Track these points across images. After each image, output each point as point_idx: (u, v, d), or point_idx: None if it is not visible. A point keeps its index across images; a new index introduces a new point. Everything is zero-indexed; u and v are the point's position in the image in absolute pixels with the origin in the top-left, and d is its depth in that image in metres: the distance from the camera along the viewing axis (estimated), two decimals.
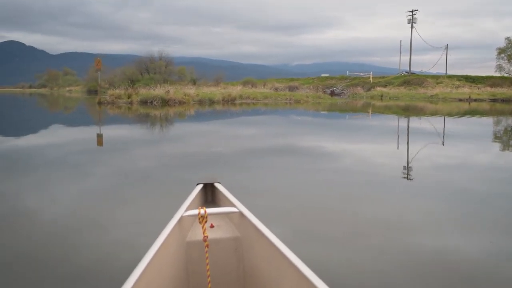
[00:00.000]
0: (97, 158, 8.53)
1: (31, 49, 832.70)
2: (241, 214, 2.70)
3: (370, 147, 10.23)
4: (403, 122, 18.40)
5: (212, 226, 2.78)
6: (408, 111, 25.83)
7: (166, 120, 17.69)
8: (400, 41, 70.20)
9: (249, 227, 2.58)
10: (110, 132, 13.47)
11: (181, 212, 2.65)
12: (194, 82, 57.70)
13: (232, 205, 2.81)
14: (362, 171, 7.10)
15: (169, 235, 2.35)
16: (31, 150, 9.33)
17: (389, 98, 44.68)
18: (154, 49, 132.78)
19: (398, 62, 70.40)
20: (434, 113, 23.61)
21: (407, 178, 6.58)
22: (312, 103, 32.43)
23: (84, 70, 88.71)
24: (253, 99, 33.30)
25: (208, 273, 2.42)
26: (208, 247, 2.45)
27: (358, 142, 11.13)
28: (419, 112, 25.25)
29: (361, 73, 69.61)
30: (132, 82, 51.78)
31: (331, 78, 70.46)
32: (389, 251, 3.68)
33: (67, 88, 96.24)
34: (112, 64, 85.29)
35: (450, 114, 22.73)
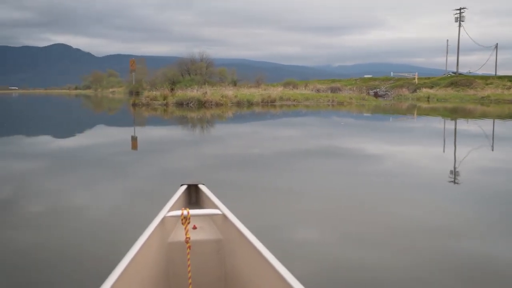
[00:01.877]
0: (133, 159, 8.64)
1: (78, 51, 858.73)
2: (224, 216, 2.67)
3: (415, 150, 10.04)
4: (450, 125, 17.45)
5: (195, 228, 2.77)
6: (456, 113, 24.44)
7: (200, 122, 17.15)
8: (447, 40, 67.77)
9: (231, 230, 2.55)
10: (144, 134, 13.17)
11: (164, 212, 2.63)
12: (234, 83, 57.30)
13: (216, 207, 2.79)
14: (406, 173, 7.08)
15: (151, 235, 2.33)
16: (69, 151, 9.67)
17: (437, 99, 42.82)
18: (196, 50, 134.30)
19: (442, 62, 68.06)
20: (485, 116, 22.22)
21: (453, 182, 6.45)
22: (356, 105, 31.16)
23: (127, 72, 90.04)
24: (294, 101, 32.31)
25: (189, 274, 2.42)
26: (190, 249, 2.45)
27: (403, 145, 10.85)
28: (468, 114, 23.85)
29: (406, 74, 67.48)
30: (173, 83, 52.02)
31: (374, 79, 68.64)
32: (431, 256, 3.60)
33: (110, 90, 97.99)
34: (154, 66, 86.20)
35: (502, 117, 21.30)
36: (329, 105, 30.22)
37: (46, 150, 9.74)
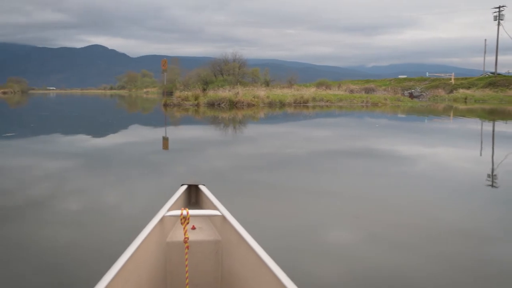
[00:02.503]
0: (165, 159, 8.71)
1: (113, 52, 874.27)
2: (223, 217, 2.66)
3: (452, 152, 9.87)
4: (488, 126, 16.84)
5: (193, 228, 2.76)
6: (494, 115, 23.67)
7: (232, 123, 17.07)
8: (485, 40, 65.97)
9: (230, 231, 2.56)
10: (175, 134, 13.17)
11: (163, 212, 2.62)
12: (267, 83, 57.17)
13: (215, 208, 2.78)
14: (442, 176, 6.92)
15: (149, 234, 2.33)
16: (104, 150, 9.86)
17: (474, 101, 41.68)
18: (229, 51, 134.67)
19: (480, 62, 66.49)
20: None
21: (490, 185, 6.27)
22: (391, 106, 30.59)
23: (161, 72, 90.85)
24: (327, 101, 31.96)
25: (187, 274, 2.42)
26: (188, 249, 2.46)
27: (439, 146, 10.62)
28: (507, 116, 23.12)
29: (442, 74, 65.99)
30: (206, 83, 52.26)
31: (409, 79, 67.40)
32: (467, 261, 3.57)
33: (144, 90, 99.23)
34: (188, 66, 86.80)
35: None
36: (363, 106, 29.73)
37: (83, 149, 9.88)
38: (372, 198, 5.45)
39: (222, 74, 64.02)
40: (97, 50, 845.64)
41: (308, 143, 11.03)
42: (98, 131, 14.45)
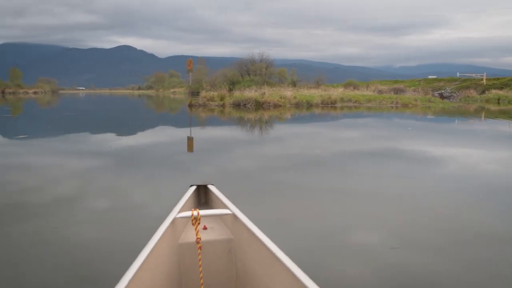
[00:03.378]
0: (191, 159, 8.73)
1: (142, 53, 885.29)
2: (234, 216, 2.66)
3: (485, 154, 9.53)
4: None
5: (205, 228, 2.75)
6: None
7: (258, 123, 16.72)
8: None
9: (242, 229, 2.54)
10: (200, 134, 12.99)
11: (174, 214, 2.62)
12: (294, 84, 56.73)
13: (225, 207, 2.78)
14: (475, 179, 6.78)
15: (161, 237, 2.33)
16: (131, 149, 9.98)
17: (508, 102, 40.42)
18: (255, 51, 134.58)
19: (511, 63, 64.31)
20: None
21: None
22: (421, 107, 29.74)
23: (186, 72, 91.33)
24: (355, 102, 31.29)
25: (201, 275, 2.41)
26: (201, 249, 2.45)
27: (474, 148, 10.38)
28: None
29: (473, 75, 64.41)
30: (233, 83, 52.14)
31: (439, 80, 65.97)
32: (502, 267, 3.41)
33: (172, 90, 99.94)
34: (215, 67, 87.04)
35: None
36: (392, 107, 29.02)
37: (111, 148, 9.96)
38: (402, 200, 5.37)
39: (249, 74, 63.80)
40: (126, 51, 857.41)
41: (339, 144, 10.81)
42: (126, 131, 14.64)
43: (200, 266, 2.42)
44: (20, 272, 3.26)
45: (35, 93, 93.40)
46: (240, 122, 18.08)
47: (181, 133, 13.96)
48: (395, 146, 10.39)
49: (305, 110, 24.94)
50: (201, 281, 2.41)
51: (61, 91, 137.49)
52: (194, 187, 3.19)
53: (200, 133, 13.62)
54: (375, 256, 3.58)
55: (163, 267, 2.37)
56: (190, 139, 11.53)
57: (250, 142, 11.34)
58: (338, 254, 3.65)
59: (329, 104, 29.63)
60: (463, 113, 25.35)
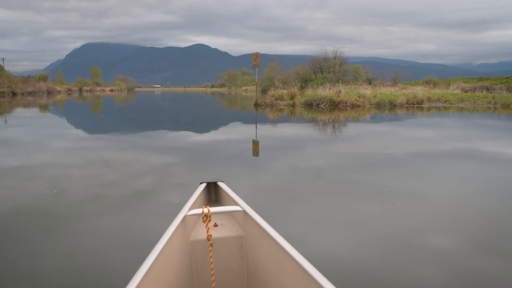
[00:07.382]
0: (260, 159, 8.33)
1: (216, 51, 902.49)
2: (244, 212, 2.65)
3: None
4: None
5: (215, 225, 2.74)
6: None
7: (337, 124, 14.29)
8: None
9: (252, 226, 2.54)
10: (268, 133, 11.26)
11: (184, 211, 2.61)
12: (369, 82, 53.77)
13: (236, 203, 2.76)
14: None
15: (173, 234, 2.33)
16: (204, 145, 10.12)
17: None
18: (329, 48, 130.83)
19: None
20: None
21: None
22: None
23: (260, 70, 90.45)
24: (445, 102, 28.00)
25: (212, 271, 2.42)
26: (212, 246, 2.47)
27: None
28: None
29: None
30: (305, 81, 50.05)
31: None
32: None
33: (244, 88, 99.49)
34: (287, 64, 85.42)
35: None
36: (489, 108, 25.47)
37: (185, 145, 10.10)
38: (465, 201, 5.23)
39: (322, 72, 61.57)
40: (200, 49, 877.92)
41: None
42: (199, 128, 14.84)
43: (211, 263, 2.42)
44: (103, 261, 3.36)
45: (111, 90, 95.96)
46: (313, 122, 15.64)
47: (243, 136, 11.95)
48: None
49: (388, 111, 22.09)
50: (213, 277, 2.40)
51: (137, 89, 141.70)
52: (204, 184, 3.12)
53: (271, 130, 11.88)
54: (448, 258, 3.41)
55: (175, 264, 2.31)
56: (255, 143, 10.28)
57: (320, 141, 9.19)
58: (416, 258, 3.44)
59: (415, 104, 26.60)
60: None
